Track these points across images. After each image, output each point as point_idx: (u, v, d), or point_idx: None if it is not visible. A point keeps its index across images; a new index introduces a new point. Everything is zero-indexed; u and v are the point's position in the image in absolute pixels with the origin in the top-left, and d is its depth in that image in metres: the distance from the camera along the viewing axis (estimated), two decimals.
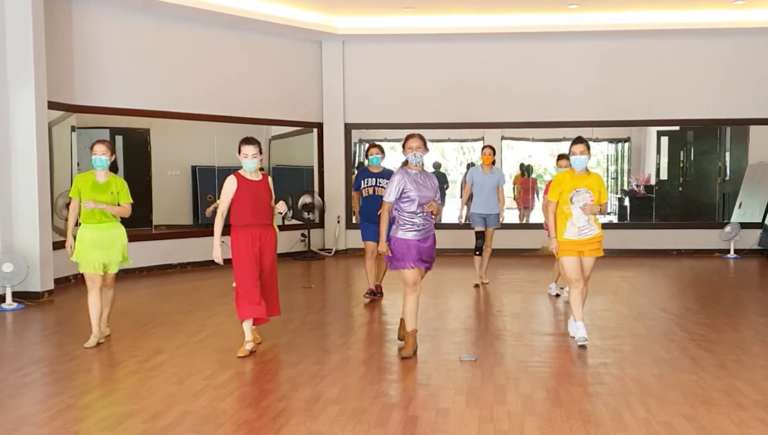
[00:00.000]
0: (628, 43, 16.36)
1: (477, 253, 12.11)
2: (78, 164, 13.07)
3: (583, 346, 8.09)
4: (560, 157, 10.95)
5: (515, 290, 12.10)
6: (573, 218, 8.21)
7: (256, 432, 5.55)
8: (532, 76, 16.60)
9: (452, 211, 17.62)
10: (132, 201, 8.51)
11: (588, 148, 8.32)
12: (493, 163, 12.20)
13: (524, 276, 13.30)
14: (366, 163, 11.32)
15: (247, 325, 7.91)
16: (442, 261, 14.68)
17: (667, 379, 6.88)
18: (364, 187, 10.82)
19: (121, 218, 8.47)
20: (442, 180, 11.57)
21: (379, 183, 10.65)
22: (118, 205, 8.35)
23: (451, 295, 11.69)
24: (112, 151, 8.40)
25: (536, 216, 17.62)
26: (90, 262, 8.26)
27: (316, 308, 10.61)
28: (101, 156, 8.23)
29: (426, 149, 7.77)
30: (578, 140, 8.36)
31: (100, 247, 8.28)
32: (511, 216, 17.52)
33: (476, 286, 12.14)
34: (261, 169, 8.20)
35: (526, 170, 18.08)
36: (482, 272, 12.25)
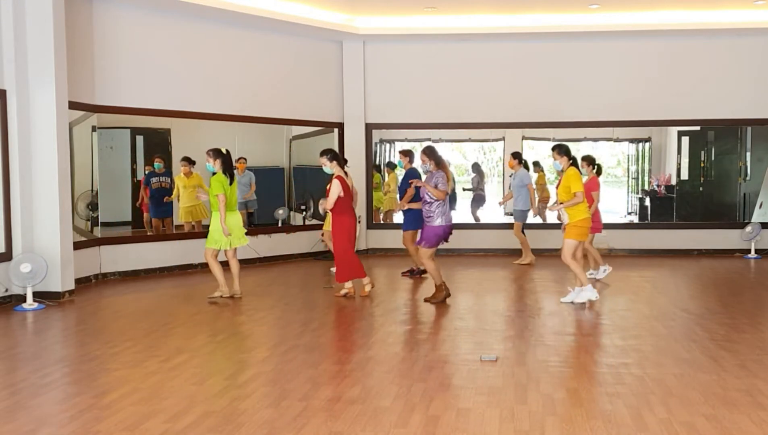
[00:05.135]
0: (648, 43, 16.27)
1: None
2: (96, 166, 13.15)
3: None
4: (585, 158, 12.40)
5: (537, 290, 12.08)
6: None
7: (277, 432, 5.56)
8: (553, 76, 16.54)
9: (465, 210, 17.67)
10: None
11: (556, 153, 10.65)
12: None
13: (545, 275, 13.27)
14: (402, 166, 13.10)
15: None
16: (462, 261, 14.66)
17: (688, 379, 6.85)
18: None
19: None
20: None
21: None
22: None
23: (472, 295, 11.67)
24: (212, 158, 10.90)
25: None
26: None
27: (337, 308, 10.61)
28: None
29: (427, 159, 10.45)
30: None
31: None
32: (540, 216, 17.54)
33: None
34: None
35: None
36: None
